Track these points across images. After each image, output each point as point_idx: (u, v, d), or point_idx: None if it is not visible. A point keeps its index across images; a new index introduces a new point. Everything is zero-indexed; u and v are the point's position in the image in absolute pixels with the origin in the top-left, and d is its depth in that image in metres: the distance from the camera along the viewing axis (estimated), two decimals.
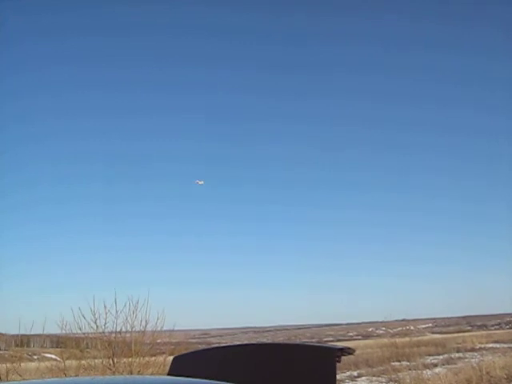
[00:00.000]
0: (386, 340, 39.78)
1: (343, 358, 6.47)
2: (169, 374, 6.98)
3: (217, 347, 8.09)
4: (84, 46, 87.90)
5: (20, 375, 16.09)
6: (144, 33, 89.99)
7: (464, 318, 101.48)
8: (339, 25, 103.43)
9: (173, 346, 19.14)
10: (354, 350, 6.95)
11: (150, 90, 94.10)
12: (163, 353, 17.92)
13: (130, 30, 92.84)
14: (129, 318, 16.54)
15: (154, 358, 17.00)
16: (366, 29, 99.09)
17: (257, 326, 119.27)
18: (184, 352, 8.77)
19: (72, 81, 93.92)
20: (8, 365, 15.91)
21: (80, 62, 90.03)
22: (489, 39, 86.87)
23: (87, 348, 18.20)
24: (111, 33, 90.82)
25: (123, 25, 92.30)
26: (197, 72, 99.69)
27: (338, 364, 6.05)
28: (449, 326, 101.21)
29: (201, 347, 20.67)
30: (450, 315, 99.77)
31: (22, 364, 17.27)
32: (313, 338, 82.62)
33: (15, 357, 17.69)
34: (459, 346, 38.06)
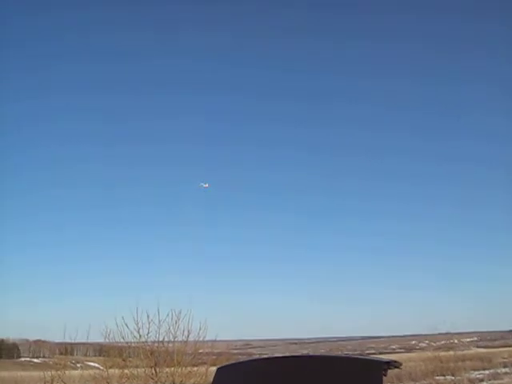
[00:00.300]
0: (429, 353, 38.86)
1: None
2: None
3: (261, 358, 8.04)
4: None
5: (64, 383, 16.30)
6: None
7: (510, 332, 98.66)
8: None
9: (214, 357, 19.08)
10: (400, 364, 6.82)
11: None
12: (204, 363, 17.88)
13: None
14: (171, 327, 16.61)
15: (196, 368, 16.97)
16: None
17: (297, 337, 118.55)
18: (227, 363, 8.75)
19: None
20: (53, 372, 16.15)
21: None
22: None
23: (129, 357, 18.29)
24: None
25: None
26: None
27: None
28: (494, 340, 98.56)
29: (242, 358, 20.53)
30: (495, 329, 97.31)
31: (66, 372, 17.48)
32: (355, 351, 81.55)
33: (59, 364, 17.93)
34: (505, 360, 37.10)
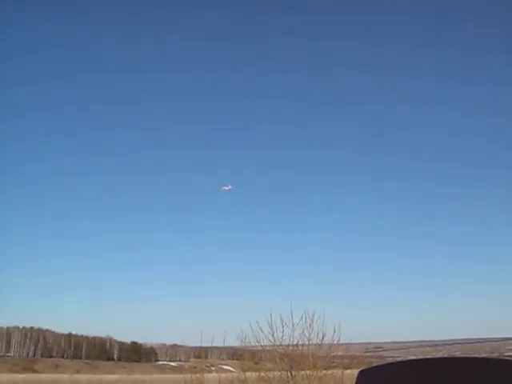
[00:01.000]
0: None
1: None
2: None
3: (406, 360, 7.73)
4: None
5: None
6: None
7: None
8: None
9: (347, 360, 18.79)
10: None
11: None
12: (335, 366, 17.65)
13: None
14: (305, 330, 16.52)
15: (330, 372, 16.79)
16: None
17: (427, 339, 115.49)
18: (369, 365, 8.54)
19: None
20: (193, 376, 16.63)
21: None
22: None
23: (261, 360, 18.47)
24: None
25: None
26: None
27: None
28: None
29: (375, 361, 20.06)
30: None
31: (204, 375, 17.94)
32: (492, 353, 77.76)
33: (195, 368, 18.45)
34: None
